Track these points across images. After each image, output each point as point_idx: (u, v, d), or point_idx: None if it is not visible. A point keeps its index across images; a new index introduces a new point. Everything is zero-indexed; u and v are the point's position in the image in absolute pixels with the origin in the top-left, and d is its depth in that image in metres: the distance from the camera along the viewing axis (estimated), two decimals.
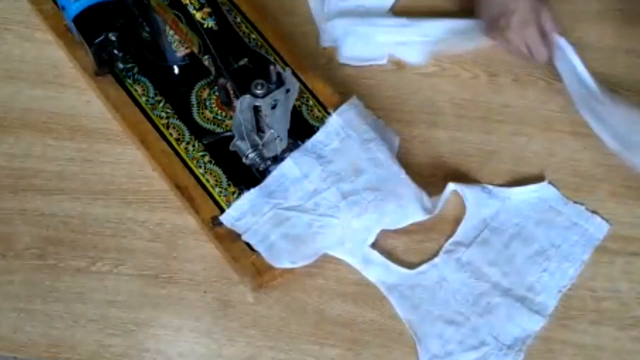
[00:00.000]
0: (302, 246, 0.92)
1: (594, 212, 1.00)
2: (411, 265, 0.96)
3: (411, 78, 1.11)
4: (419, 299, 0.93)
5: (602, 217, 0.99)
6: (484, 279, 0.95)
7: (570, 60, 1.06)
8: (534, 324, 0.92)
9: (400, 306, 0.93)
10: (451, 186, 0.99)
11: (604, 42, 1.16)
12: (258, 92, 0.83)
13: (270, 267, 0.92)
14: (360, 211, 0.94)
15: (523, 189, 1.01)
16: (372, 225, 0.95)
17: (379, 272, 0.94)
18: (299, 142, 0.97)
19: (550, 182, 1.01)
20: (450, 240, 0.97)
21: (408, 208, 0.96)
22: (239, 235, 0.93)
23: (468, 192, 1.00)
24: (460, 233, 0.98)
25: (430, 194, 0.98)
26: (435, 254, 0.97)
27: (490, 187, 1.01)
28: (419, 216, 0.96)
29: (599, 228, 0.98)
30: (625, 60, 1.15)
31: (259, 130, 0.89)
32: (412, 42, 1.10)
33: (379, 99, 1.08)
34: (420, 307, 0.93)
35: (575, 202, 1.00)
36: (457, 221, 0.99)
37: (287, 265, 0.91)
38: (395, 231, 0.97)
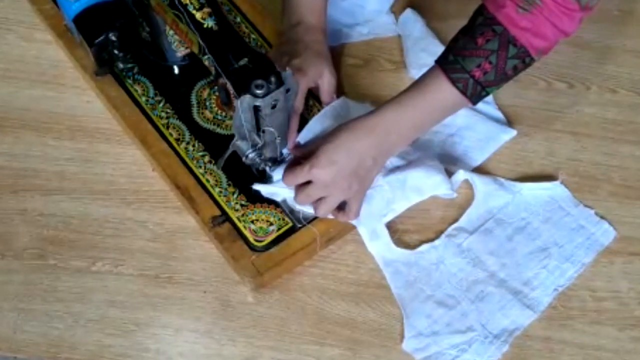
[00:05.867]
0: None
1: (602, 217, 1.00)
2: (413, 246, 0.97)
3: (411, 78, 1.11)
4: (413, 277, 0.95)
5: (607, 221, 0.99)
6: (482, 267, 0.96)
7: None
8: (525, 318, 0.92)
9: (393, 281, 0.94)
10: (461, 174, 1.00)
11: (603, 42, 1.16)
12: (258, 92, 0.83)
13: (270, 267, 0.92)
14: (387, 172, 0.97)
15: (535, 185, 1.01)
16: (395, 194, 0.97)
17: (381, 247, 0.96)
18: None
19: (562, 183, 1.02)
20: (454, 225, 0.99)
21: (434, 178, 0.98)
22: (239, 235, 0.94)
23: (478, 181, 1.00)
24: (464, 220, 0.99)
25: None
26: (437, 237, 0.98)
27: (502, 179, 1.02)
28: (443, 188, 0.98)
29: (605, 234, 0.99)
30: (625, 60, 1.15)
31: (259, 130, 0.89)
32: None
33: (378, 98, 1.07)
34: (414, 284, 0.94)
35: (585, 206, 1.00)
36: (463, 209, 1.00)
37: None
38: (405, 213, 0.98)
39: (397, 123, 0.91)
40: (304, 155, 0.93)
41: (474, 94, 0.88)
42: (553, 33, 0.86)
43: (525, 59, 0.87)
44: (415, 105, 0.90)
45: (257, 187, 0.95)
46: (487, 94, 0.89)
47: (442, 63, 0.89)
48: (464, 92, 0.88)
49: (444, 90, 0.89)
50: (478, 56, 0.86)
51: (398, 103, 0.91)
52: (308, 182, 0.91)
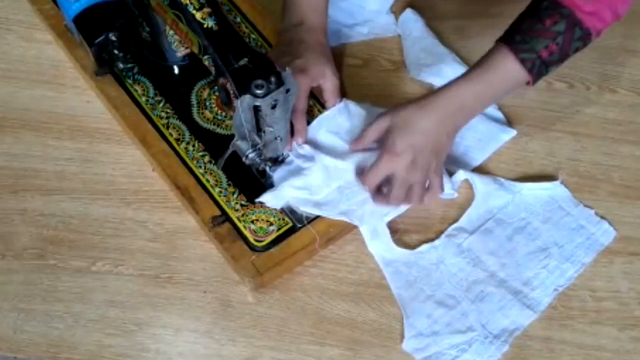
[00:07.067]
0: (327, 200, 0.95)
1: (602, 217, 1.00)
2: (413, 246, 0.97)
3: (411, 78, 1.11)
4: (413, 277, 0.95)
5: (608, 221, 0.99)
6: (482, 267, 0.96)
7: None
8: (525, 318, 0.92)
9: (393, 281, 0.94)
10: (461, 174, 1.00)
11: (604, 42, 1.16)
12: (258, 92, 0.83)
13: (270, 267, 0.92)
14: None
15: (535, 185, 1.01)
16: None
17: (381, 247, 0.96)
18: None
19: (562, 183, 1.02)
20: (454, 225, 0.99)
21: None
22: (239, 235, 0.94)
23: (478, 181, 1.01)
24: (464, 220, 0.99)
25: None
26: (437, 237, 0.98)
27: (502, 179, 1.02)
28: (444, 188, 0.98)
29: (605, 234, 0.98)
30: (625, 60, 1.15)
31: (259, 130, 0.89)
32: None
33: (378, 98, 1.08)
34: (414, 284, 0.94)
35: (585, 206, 1.00)
36: (463, 209, 1.00)
37: (311, 209, 0.94)
38: (405, 213, 0.98)
39: (466, 98, 0.94)
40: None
41: (538, 74, 0.93)
42: (610, 17, 0.91)
43: (586, 41, 0.92)
44: (483, 81, 0.94)
45: (262, 199, 0.95)
46: (547, 74, 0.94)
47: (510, 43, 0.92)
48: (530, 71, 0.92)
49: (512, 68, 0.92)
50: (546, 37, 0.90)
51: (467, 79, 0.94)
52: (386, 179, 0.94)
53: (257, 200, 0.95)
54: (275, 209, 0.95)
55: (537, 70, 0.92)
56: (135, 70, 1.05)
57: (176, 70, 1.06)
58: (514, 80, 0.94)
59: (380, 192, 0.97)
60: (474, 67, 0.95)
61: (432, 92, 0.96)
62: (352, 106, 1.03)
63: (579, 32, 0.90)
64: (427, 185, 0.96)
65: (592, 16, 0.90)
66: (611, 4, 0.90)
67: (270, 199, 0.95)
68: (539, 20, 0.91)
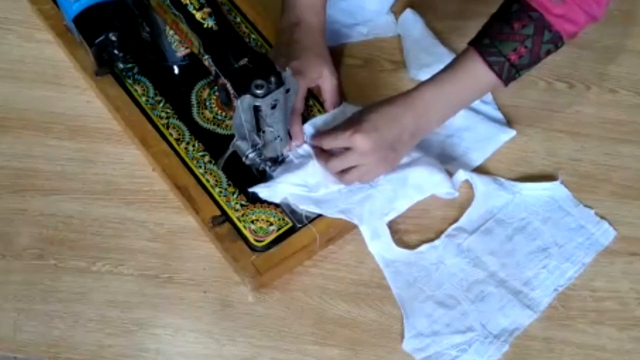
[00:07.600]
0: (326, 199, 0.96)
1: (602, 217, 1.00)
2: (413, 246, 0.97)
3: (411, 78, 1.11)
4: (413, 277, 0.95)
5: (607, 221, 0.99)
6: (482, 267, 0.96)
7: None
8: (525, 318, 0.92)
9: (394, 281, 0.94)
10: (462, 174, 1.00)
11: (604, 42, 1.16)
12: (258, 92, 0.83)
13: (270, 267, 0.92)
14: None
15: (535, 185, 1.01)
16: (396, 192, 0.97)
17: (381, 247, 0.96)
18: None
19: (562, 183, 1.02)
20: (454, 225, 0.99)
21: (435, 177, 0.98)
22: (239, 235, 0.94)
23: (478, 182, 1.01)
24: (464, 220, 0.99)
25: None
26: (437, 238, 0.98)
27: (502, 179, 1.02)
28: (445, 187, 0.99)
29: (605, 234, 0.99)
30: (625, 60, 1.15)
31: (259, 130, 0.89)
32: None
33: (378, 98, 1.07)
34: (414, 285, 0.94)
35: (585, 206, 1.00)
36: (463, 209, 1.00)
37: (313, 208, 0.95)
38: (405, 213, 0.99)
39: (434, 101, 0.94)
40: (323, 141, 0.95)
41: (509, 77, 0.92)
42: (584, 19, 0.90)
43: (557, 43, 0.91)
44: (451, 85, 0.94)
45: (254, 189, 0.95)
46: (520, 76, 0.93)
47: (478, 46, 0.91)
48: (499, 75, 0.91)
49: (480, 72, 0.92)
50: (514, 40, 0.90)
51: (435, 82, 0.94)
52: (344, 150, 0.93)
53: (250, 189, 0.95)
54: (275, 209, 0.95)
55: (507, 73, 0.91)
56: (135, 70, 1.06)
57: (176, 70, 1.06)
58: (483, 83, 0.94)
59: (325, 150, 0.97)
60: (444, 70, 0.95)
61: (403, 92, 0.95)
62: (350, 107, 1.03)
63: (549, 35, 0.89)
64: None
65: (561, 19, 0.89)
66: (582, 5, 0.88)
67: (265, 192, 0.95)
68: (508, 24, 0.90)
